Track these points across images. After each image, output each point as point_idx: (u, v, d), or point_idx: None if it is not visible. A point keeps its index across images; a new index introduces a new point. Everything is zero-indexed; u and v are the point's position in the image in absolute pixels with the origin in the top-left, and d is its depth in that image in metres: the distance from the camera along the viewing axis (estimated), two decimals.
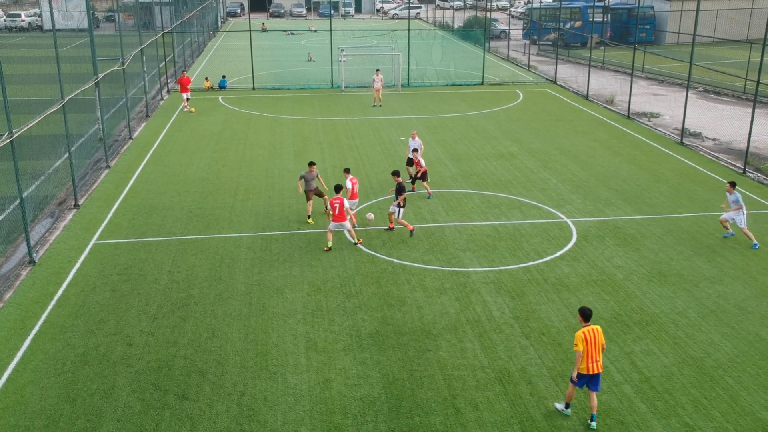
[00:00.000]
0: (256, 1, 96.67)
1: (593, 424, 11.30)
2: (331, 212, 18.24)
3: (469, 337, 13.96)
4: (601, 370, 11.18)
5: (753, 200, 21.91)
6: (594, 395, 11.30)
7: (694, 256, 17.76)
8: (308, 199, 19.99)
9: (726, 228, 18.89)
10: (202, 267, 17.12)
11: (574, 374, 11.17)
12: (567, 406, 11.63)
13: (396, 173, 19.35)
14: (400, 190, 18.78)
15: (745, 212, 18.38)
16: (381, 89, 36.35)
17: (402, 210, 18.88)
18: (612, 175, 24.45)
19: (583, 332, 11.03)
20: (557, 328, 14.29)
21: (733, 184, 18.58)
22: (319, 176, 20.29)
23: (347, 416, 11.60)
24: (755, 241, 18.36)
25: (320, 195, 20.28)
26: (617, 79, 43.43)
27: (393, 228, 19.38)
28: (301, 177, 19.83)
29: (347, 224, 18.08)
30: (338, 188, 18.36)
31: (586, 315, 11.20)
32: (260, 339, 13.89)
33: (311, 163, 19.86)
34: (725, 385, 12.46)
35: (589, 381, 11.23)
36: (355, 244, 18.36)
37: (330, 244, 18.13)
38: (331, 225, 18.10)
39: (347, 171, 19.89)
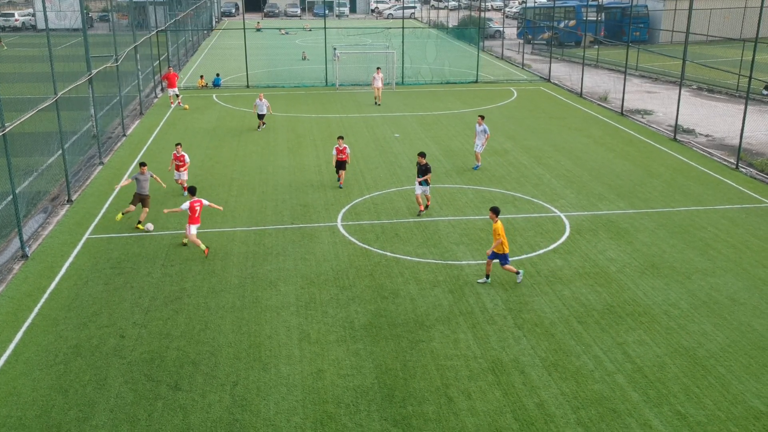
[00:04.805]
0: (251, 1, 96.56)
1: (520, 276, 15.95)
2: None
3: (462, 329, 13.98)
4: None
5: (746, 195, 21.99)
6: (507, 266, 15.76)
7: (686, 249, 17.82)
8: (135, 203, 18.98)
9: (477, 161, 24.53)
10: (196, 261, 17.10)
11: (489, 251, 15.58)
12: (487, 276, 15.92)
13: (422, 154, 19.74)
14: (426, 170, 19.54)
15: (485, 142, 24.09)
16: (381, 87, 36.28)
17: (427, 188, 19.84)
18: (605, 170, 24.52)
19: (502, 225, 15.49)
20: (550, 320, 14.32)
21: (482, 117, 24.23)
22: (155, 175, 19.63)
23: (340, 406, 11.61)
24: (478, 164, 24.42)
25: (143, 202, 19.05)
26: (611, 77, 43.56)
27: (423, 211, 20.13)
28: (134, 178, 19.01)
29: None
30: (193, 190, 17.65)
31: (497, 212, 15.57)
32: (253, 331, 13.89)
33: (143, 164, 19.10)
34: (717, 374, 12.51)
35: (502, 258, 15.55)
36: (184, 244, 17.88)
37: (203, 246, 17.35)
38: (193, 229, 17.36)
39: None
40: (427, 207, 20.30)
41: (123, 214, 19.05)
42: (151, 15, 45.77)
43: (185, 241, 17.97)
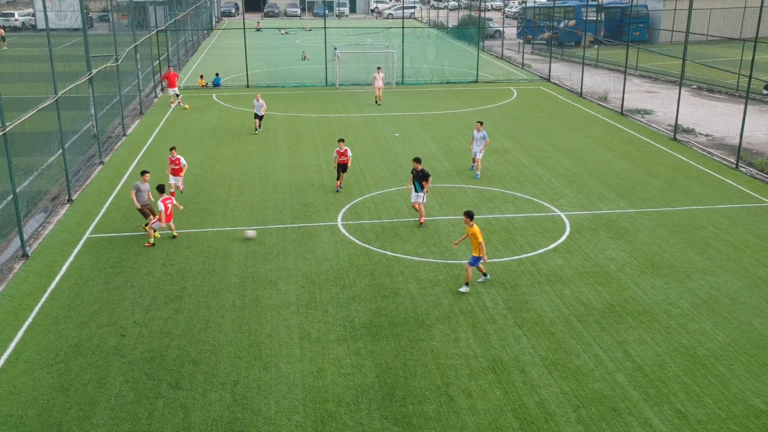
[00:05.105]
0: (251, 1, 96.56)
1: (465, 288, 15.54)
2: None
3: (463, 328, 13.99)
4: None
5: (746, 194, 22.01)
6: (469, 267, 15.53)
7: (686, 248, 17.83)
8: (144, 215, 18.61)
9: (474, 162, 23.74)
10: (196, 260, 17.12)
11: (485, 257, 15.27)
12: (485, 274, 15.84)
13: (417, 160, 19.09)
14: (424, 176, 18.82)
15: (483, 149, 23.39)
16: (382, 87, 36.23)
17: (423, 196, 19.07)
18: (605, 170, 24.53)
19: (479, 228, 15.22)
20: (550, 318, 14.33)
21: (481, 123, 23.42)
22: (150, 194, 18.74)
23: (341, 404, 11.62)
24: (478, 172, 23.55)
25: (152, 212, 18.54)
26: (611, 77, 43.58)
27: (423, 223, 19.28)
28: (135, 187, 18.51)
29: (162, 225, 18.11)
30: (162, 188, 18.23)
31: (472, 216, 15.20)
32: (254, 330, 13.90)
33: (144, 172, 18.67)
34: (717, 372, 12.52)
35: (474, 259, 15.36)
36: (174, 237, 18.34)
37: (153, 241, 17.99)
38: (157, 224, 18.03)
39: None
40: (421, 224, 19.26)
41: (156, 232, 18.30)
42: (151, 15, 45.81)
43: (175, 234, 18.31)
